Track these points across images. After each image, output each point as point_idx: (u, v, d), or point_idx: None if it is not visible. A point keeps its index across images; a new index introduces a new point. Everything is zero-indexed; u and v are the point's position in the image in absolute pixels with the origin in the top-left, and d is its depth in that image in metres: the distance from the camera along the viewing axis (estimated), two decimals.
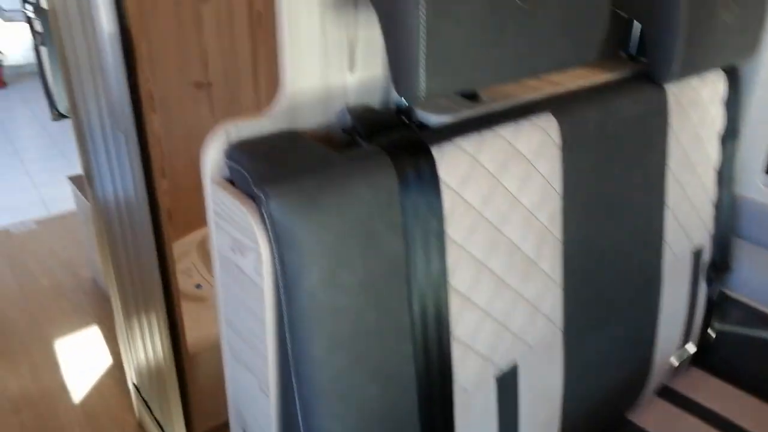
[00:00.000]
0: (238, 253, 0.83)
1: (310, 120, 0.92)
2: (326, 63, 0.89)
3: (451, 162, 0.87)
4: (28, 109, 5.75)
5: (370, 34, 0.93)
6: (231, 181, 0.84)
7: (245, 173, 0.78)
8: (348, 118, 0.94)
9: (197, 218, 2.23)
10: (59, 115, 4.65)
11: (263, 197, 0.73)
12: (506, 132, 0.94)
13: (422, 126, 0.96)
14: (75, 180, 2.80)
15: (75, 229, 3.40)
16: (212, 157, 0.84)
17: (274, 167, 0.78)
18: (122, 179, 1.63)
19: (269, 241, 0.76)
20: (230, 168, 0.83)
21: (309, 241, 0.74)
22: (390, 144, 0.85)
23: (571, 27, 0.88)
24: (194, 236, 2.20)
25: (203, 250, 2.14)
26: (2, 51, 6.28)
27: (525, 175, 0.97)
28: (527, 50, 0.84)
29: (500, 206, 0.94)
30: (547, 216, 1.02)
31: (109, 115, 1.56)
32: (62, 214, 3.63)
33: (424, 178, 0.84)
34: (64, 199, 3.92)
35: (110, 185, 1.76)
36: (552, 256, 1.05)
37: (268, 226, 0.75)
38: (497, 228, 0.94)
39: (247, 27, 2.09)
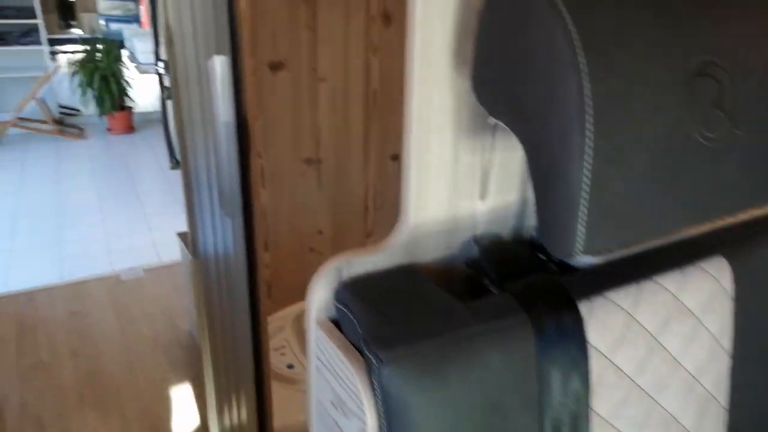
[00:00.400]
0: (339, 410, 0.70)
1: (431, 253, 0.79)
2: (456, 191, 0.76)
3: (602, 321, 0.71)
4: (152, 153, 6.09)
5: (506, 156, 0.79)
6: (337, 323, 0.72)
7: (355, 322, 0.66)
8: (474, 251, 0.80)
9: (294, 292, 2.16)
10: (177, 164, 4.85)
11: (375, 361, 0.60)
12: (670, 282, 0.77)
13: (563, 266, 0.81)
14: (183, 236, 2.83)
15: (179, 280, 3.45)
16: (320, 296, 0.72)
17: (388, 321, 0.65)
18: (224, 247, 1.58)
19: (377, 409, 0.62)
20: (339, 311, 0.71)
21: (425, 416, 0.60)
22: (525, 291, 0.70)
23: (762, 163, 0.71)
24: (290, 310, 2.12)
25: (298, 326, 2.05)
26: (135, 99, 6.73)
27: (690, 334, 0.78)
28: (708, 194, 0.68)
29: (658, 372, 0.76)
30: (712, 381, 0.82)
31: (219, 194, 1.51)
32: (170, 263, 3.71)
33: (568, 341, 0.68)
34: (174, 248, 4.02)
35: (212, 249, 1.71)
36: (714, 428, 0.84)
37: (378, 394, 0.62)
38: (653, 398, 0.76)
39: (362, 104, 2.03)
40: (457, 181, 0.76)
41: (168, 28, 1.59)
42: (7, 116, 6.05)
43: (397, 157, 2.17)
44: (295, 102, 1.93)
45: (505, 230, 0.84)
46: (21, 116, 6.07)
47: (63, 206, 4.78)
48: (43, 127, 6.26)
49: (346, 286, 0.71)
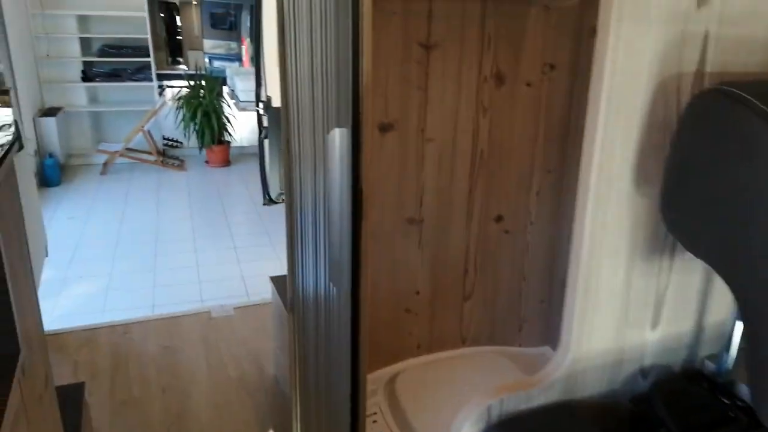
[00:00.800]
0: None
1: (591, 388, 0.67)
2: (625, 319, 0.65)
3: None
4: (245, 187, 6.24)
5: (684, 280, 0.68)
6: None
7: None
8: (641, 386, 0.68)
9: (388, 353, 2.07)
10: (270, 201, 4.93)
11: None
12: None
13: (748, 411, 0.68)
14: (276, 281, 2.82)
15: (267, 322, 3.45)
16: None
17: None
18: (327, 309, 1.52)
19: None
20: None
21: None
22: None
23: None
24: (383, 373, 2.03)
25: (390, 390, 1.95)
26: (232, 134, 6.96)
27: None
28: None
29: None
30: None
31: (329, 265, 1.45)
32: (259, 302, 3.72)
33: None
34: (262, 284, 4.05)
35: (312, 308, 1.65)
36: None
37: None
38: None
39: (468, 164, 1.94)
40: (627, 308, 0.66)
41: (286, 105, 1.57)
42: (117, 147, 6.39)
43: (500, 219, 2.06)
44: (401, 162, 1.87)
45: (676, 362, 0.72)
46: (128, 147, 6.39)
47: (160, 234, 4.95)
48: (148, 157, 6.56)
49: (496, 428, 0.62)
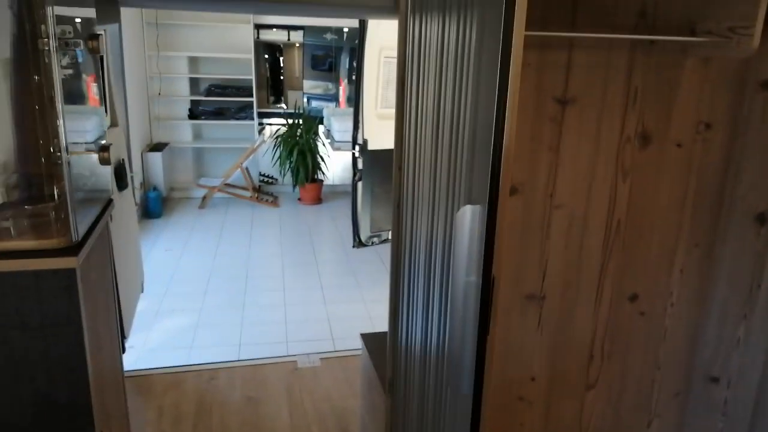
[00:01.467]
0: None
1: None
2: None
3: None
4: (335, 226, 6.12)
5: None
6: None
7: None
8: None
9: None
10: (360, 244, 4.76)
11: None
12: None
13: None
14: (366, 338, 2.59)
15: (355, 376, 3.21)
16: None
17: None
18: (436, 398, 1.26)
19: None
20: None
21: None
22: None
23: None
24: None
25: None
26: (326, 173, 6.91)
27: None
28: None
29: None
30: None
31: (449, 369, 1.19)
32: (347, 354, 3.50)
33: None
34: (348, 332, 3.85)
35: (416, 392, 1.40)
36: None
37: None
38: None
39: (602, 235, 1.64)
40: None
41: (399, 164, 1.35)
42: (216, 182, 6.47)
43: (635, 298, 1.74)
44: (524, 229, 1.60)
45: None
46: (226, 182, 6.46)
47: (250, 269, 4.88)
48: (244, 193, 6.61)
49: None
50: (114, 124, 3.48)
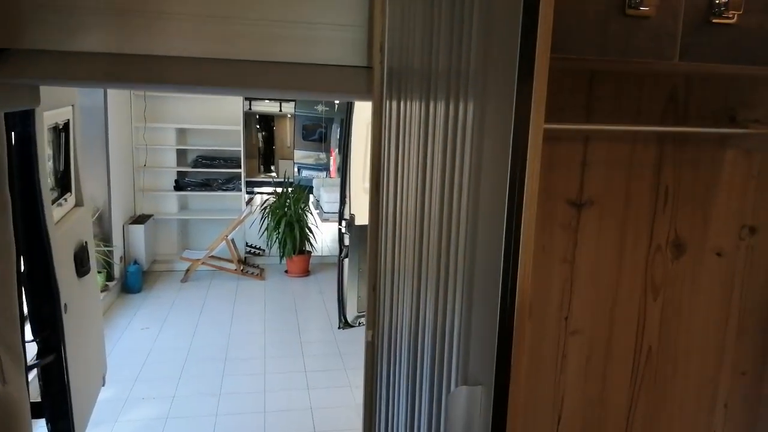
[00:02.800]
0: None
1: None
2: None
3: None
4: (321, 300, 5.71)
5: None
6: None
7: None
8: None
9: None
10: (346, 325, 4.35)
11: None
12: None
13: None
14: None
15: None
16: None
17: None
18: None
19: None
20: None
21: None
22: None
23: None
24: None
25: None
26: (314, 244, 6.55)
27: None
28: None
29: None
30: None
31: None
32: None
33: None
34: (334, 423, 3.41)
35: None
36: None
37: None
38: None
39: (630, 366, 1.27)
40: None
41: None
42: (200, 254, 6.08)
43: None
44: (533, 362, 1.22)
45: None
46: (211, 255, 6.08)
47: (229, 351, 4.42)
48: (228, 266, 6.21)
49: None
50: (79, 203, 3.12)
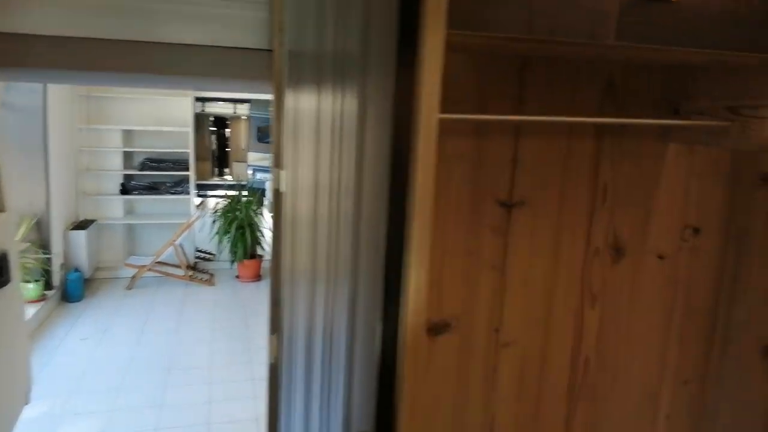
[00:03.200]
0: None
1: None
2: None
3: None
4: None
5: None
6: None
7: None
8: None
9: None
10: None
11: None
12: None
13: None
14: None
15: None
16: None
17: None
18: None
19: None
20: None
21: None
22: None
23: None
24: None
25: None
26: (266, 248, 6.33)
27: None
28: None
29: None
30: None
31: None
32: None
33: None
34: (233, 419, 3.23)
35: None
36: None
37: None
38: None
39: (566, 380, 1.15)
40: None
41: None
42: (146, 260, 5.80)
43: None
44: (460, 379, 1.09)
45: None
46: (159, 260, 5.80)
47: (174, 361, 4.19)
48: (176, 272, 5.94)
49: None
50: (1, 209, 2.86)
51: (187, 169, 6.11)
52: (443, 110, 0.61)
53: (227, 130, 7.90)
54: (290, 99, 0.83)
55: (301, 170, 0.81)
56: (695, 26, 0.86)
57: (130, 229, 6.26)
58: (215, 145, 7.70)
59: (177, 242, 5.82)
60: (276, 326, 0.91)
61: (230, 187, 6.41)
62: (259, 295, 5.82)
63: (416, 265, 0.50)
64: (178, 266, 5.94)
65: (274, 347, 0.95)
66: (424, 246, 0.50)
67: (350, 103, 0.62)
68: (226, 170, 7.67)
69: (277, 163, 0.88)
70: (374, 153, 0.56)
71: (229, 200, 6.12)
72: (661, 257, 1.17)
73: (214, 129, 7.62)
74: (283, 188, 0.86)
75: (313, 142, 0.75)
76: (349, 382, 0.59)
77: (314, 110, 0.74)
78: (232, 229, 5.94)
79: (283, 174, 0.85)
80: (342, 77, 0.65)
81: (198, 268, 6.26)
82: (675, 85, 1.07)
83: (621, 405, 1.22)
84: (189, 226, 5.88)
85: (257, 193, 6.39)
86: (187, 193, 6.18)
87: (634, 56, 0.94)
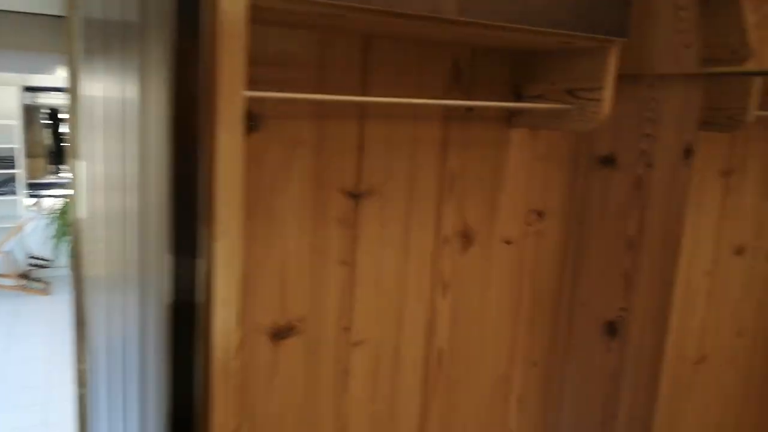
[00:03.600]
0: None
1: None
2: None
3: None
4: None
5: None
6: None
7: None
8: None
9: None
10: None
11: None
12: None
13: None
14: None
15: None
16: None
17: None
18: None
19: None
20: None
21: None
22: None
23: None
24: None
25: None
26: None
27: None
28: None
29: None
30: None
31: None
32: None
33: None
34: None
35: None
36: None
37: None
38: None
39: (419, 374, 1.10)
40: None
41: None
42: None
43: None
44: (309, 384, 0.99)
45: None
46: None
47: (4, 383, 3.65)
48: (6, 282, 5.20)
49: None
50: None
51: (14, 167, 5.37)
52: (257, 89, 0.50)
53: (63, 123, 7.09)
54: (82, 75, 0.66)
55: (97, 161, 0.66)
56: (537, 6, 0.83)
57: None
58: (51, 140, 6.89)
59: (4, 249, 5.08)
60: (81, 349, 0.75)
61: (68, 185, 5.76)
62: None
63: (223, 277, 0.40)
64: (7, 276, 5.20)
65: (83, 374, 0.78)
66: (231, 254, 0.40)
67: (132, 82, 0.49)
68: (63, 167, 6.89)
69: (74, 153, 0.71)
70: (156, 140, 0.44)
71: (67, 200, 5.48)
72: (508, 242, 1.16)
73: (50, 122, 6.81)
74: (79, 181, 0.70)
75: (103, 127, 0.60)
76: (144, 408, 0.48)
77: (102, 90, 0.60)
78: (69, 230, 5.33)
79: (79, 166, 0.68)
80: (123, 50, 0.52)
81: (32, 277, 5.53)
82: (518, 68, 1.05)
83: (475, 393, 1.20)
84: (19, 229, 5.17)
85: None
86: (15, 193, 5.43)
87: (479, 36, 0.90)
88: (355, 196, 0.97)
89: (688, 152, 0.97)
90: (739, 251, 1.52)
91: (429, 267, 1.07)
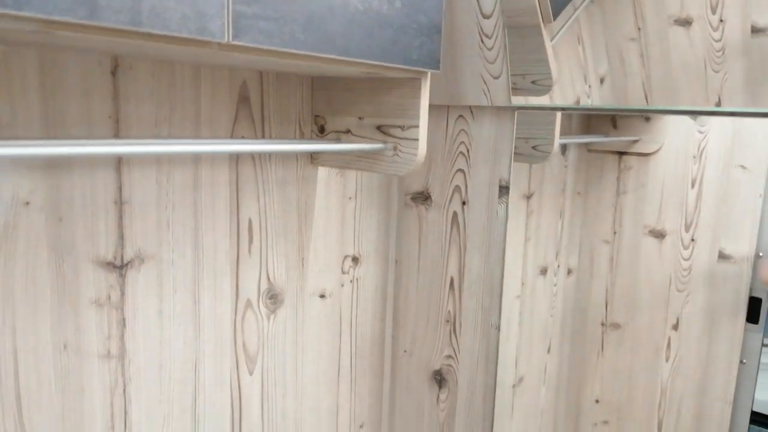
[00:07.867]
0: None
1: None
2: None
3: None
4: None
5: None
6: None
7: None
8: None
9: None
10: None
11: None
12: None
13: None
14: None
15: None
16: None
17: None
18: None
19: None
20: None
21: None
22: None
23: None
24: None
25: None
26: None
27: None
28: None
29: None
30: None
31: None
32: None
33: None
34: None
35: None
36: None
37: None
38: None
39: None
40: None
41: None
42: None
43: None
44: None
45: None
46: None
47: None
48: None
49: None
50: None
51: None
52: None
53: None
54: None
55: None
56: (334, 32, 0.69)
57: None
58: None
59: None
60: None
61: None
62: None
63: None
64: None
65: None
66: None
67: None
68: None
69: None
70: None
71: None
72: (322, 296, 1.01)
73: None
74: None
75: None
76: None
77: None
78: None
79: None
80: None
81: None
82: (322, 98, 0.91)
83: None
84: None
85: None
86: None
87: (264, 63, 0.73)
88: (118, 267, 0.73)
89: (503, 189, 0.91)
90: (543, 271, 1.57)
91: (229, 342, 0.87)
